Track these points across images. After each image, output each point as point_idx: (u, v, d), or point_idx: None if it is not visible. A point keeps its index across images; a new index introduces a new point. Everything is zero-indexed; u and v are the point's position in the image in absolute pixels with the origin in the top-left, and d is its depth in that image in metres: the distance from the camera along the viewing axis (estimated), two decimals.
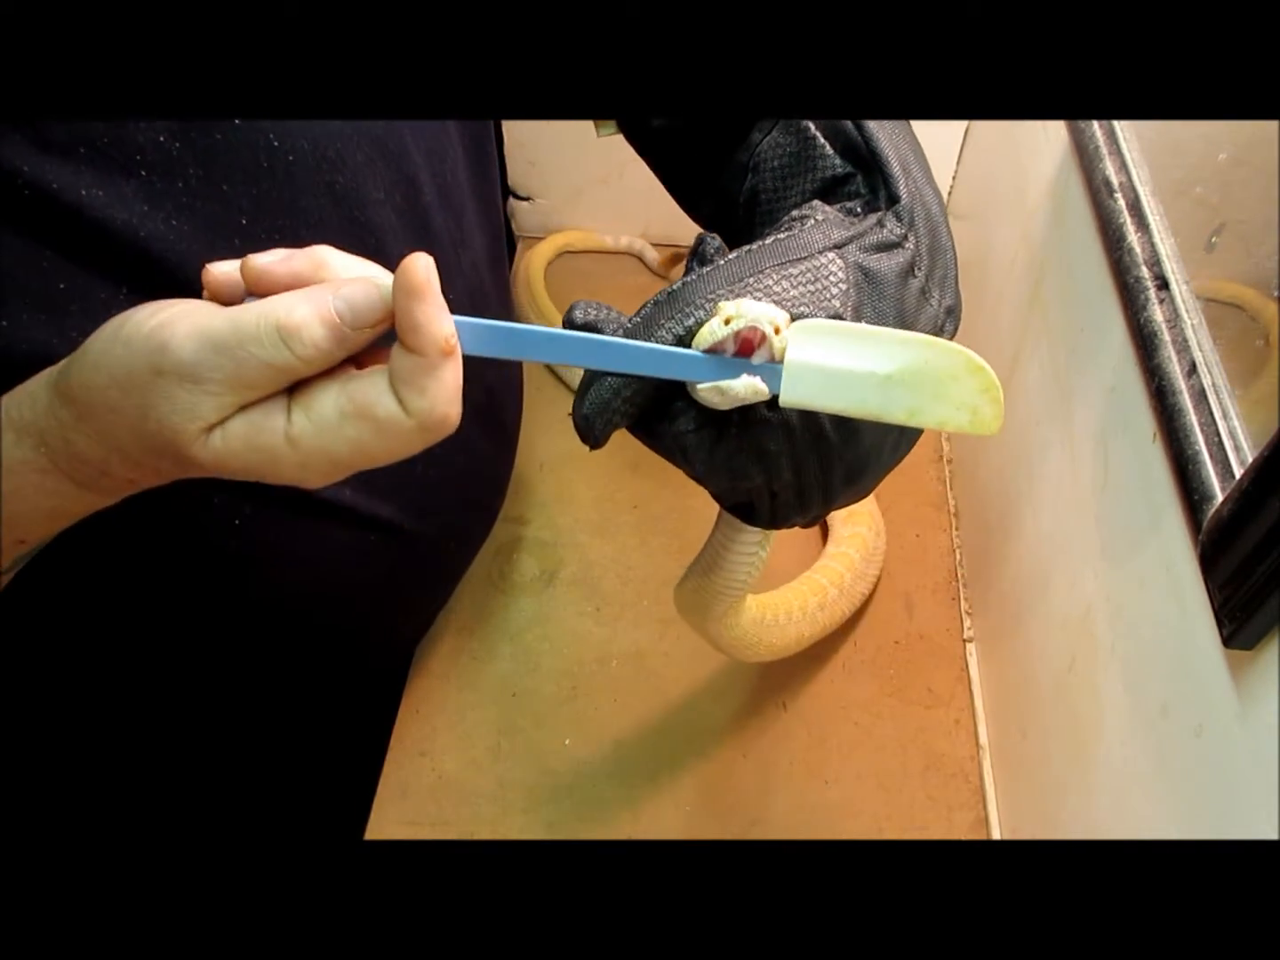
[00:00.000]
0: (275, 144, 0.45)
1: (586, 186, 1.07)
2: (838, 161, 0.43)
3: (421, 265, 0.32)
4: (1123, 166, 0.57)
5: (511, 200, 1.10)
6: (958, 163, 0.98)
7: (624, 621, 0.80)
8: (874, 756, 0.74)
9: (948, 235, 0.43)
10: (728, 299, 0.36)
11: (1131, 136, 0.58)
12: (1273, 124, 0.47)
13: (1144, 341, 0.50)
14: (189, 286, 0.43)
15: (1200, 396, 0.45)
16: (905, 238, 0.40)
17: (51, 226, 0.40)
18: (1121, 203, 0.55)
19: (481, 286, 0.62)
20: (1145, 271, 0.51)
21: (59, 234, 0.40)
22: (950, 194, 0.99)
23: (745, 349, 0.35)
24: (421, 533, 0.61)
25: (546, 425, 0.91)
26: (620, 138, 0.57)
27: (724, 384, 0.35)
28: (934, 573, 0.84)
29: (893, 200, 0.41)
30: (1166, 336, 0.48)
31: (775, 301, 0.36)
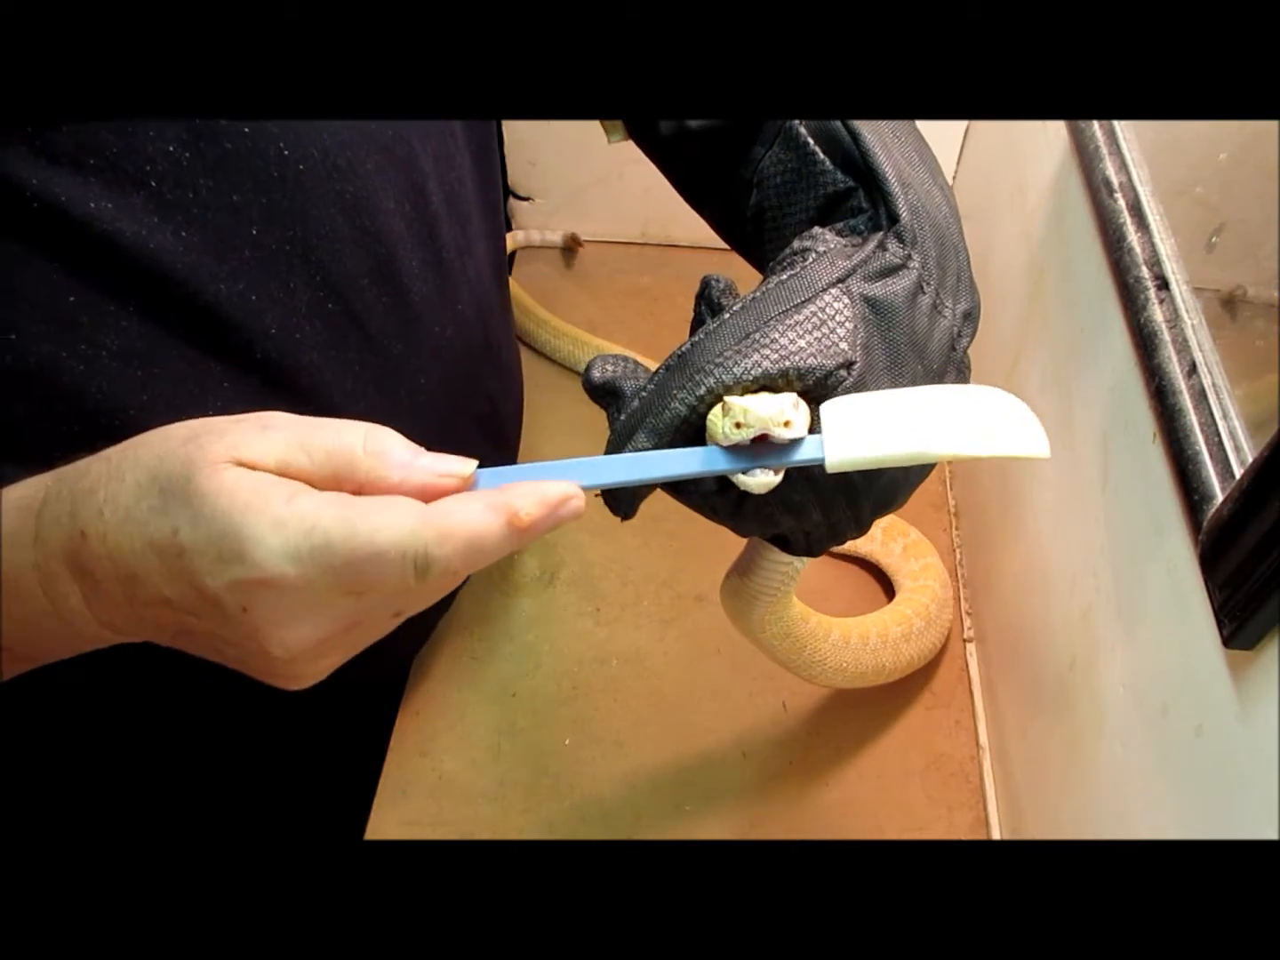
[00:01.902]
0: (286, 153, 0.44)
1: (586, 186, 1.07)
2: (839, 177, 0.43)
3: None
4: (1123, 166, 0.57)
5: (511, 200, 1.10)
6: (958, 163, 0.98)
7: (624, 621, 0.80)
8: (874, 756, 0.74)
9: (958, 234, 0.43)
10: (736, 360, 0.37)
11: (1131, 136, 0.58)
12: (1273, 124, 0.47)
13: (1144, 341, 0.50)
14: (198, 298, 0.43)
15: (1200, 396, 0.45)
16: (909, 258, 0.40)
17: (60, 239, 0.39)
18: (1121, 203, 0.55)
19: (486, 294, 0.62)
20: (1145, 271, 0.51)
21: (68, 247, 0.40)
22: None
23: (761, 438, 0.35)
24: None
25: (546, 428, 0.91)
26: (628, 141, 0.57)
27: (739, 479, 0.36)
28: None
29: (893, 219, 0.41)
30: (1166, 336, 0.48)
31: (783, 355, 0.37)
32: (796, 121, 0.45)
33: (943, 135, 0.96)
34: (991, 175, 0.88)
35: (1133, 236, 0.53)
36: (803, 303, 0.38)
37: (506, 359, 0.68)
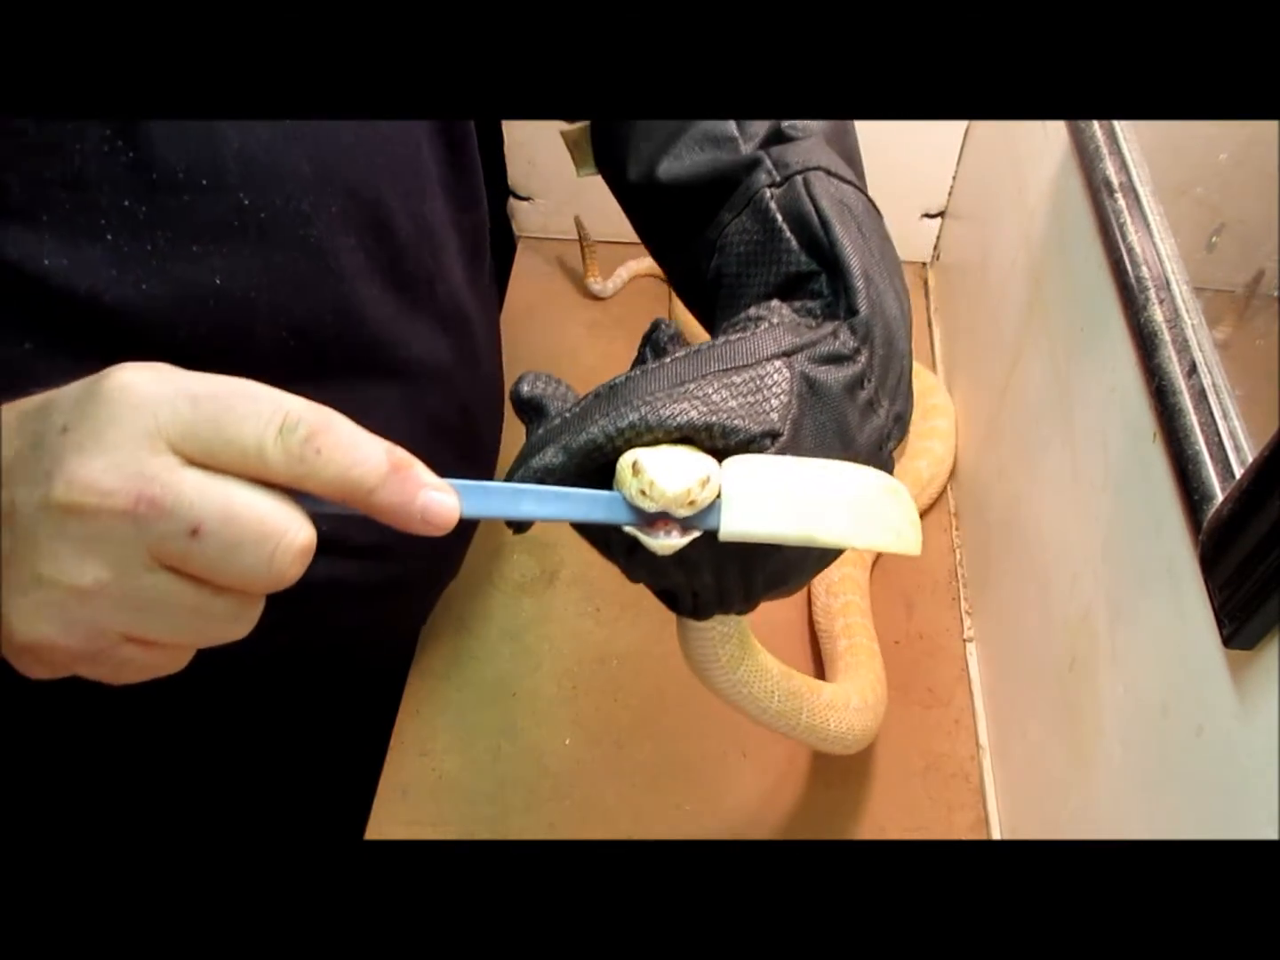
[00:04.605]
0: (246, 203, 0.44)
1: (586, 186, 1.07)
2: (802, 258, 0.43)
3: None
4: (1123, 166, 0.57)
5: (511, 200, 1.10)
6: (958, 163, 0.98)
7: (624, 621, 0.80)
8: (874, 756, 0.74)
9: (906, 339, 0.43)
10: (665, 404, 0.36)
11: (1131, 136, 0.58)
12: (1273, 124, 0.47)
13: (1144, 341, 0.50)
14: (159, 347, 0.43)
15: (1200, 396, 0.45)
16: (858, 351, 0.40)
17: (15, 297, 0.39)
18: (1121, 203, 0.55)
19: (459, 310, 0.62)
20: (1145, 271, 0.51)
21: (23, 303, 0.40)
22: (950, 194, 0.99)
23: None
24: (399, 554, 0.61)
25: None
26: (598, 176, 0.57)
27: (644, 540, 0.35)
28: (934, 573, 0.84)
29: (851, 311, 0.41)
30: (1166, 336, 0.48)
31: (711, 410, 0.36)
32: (767, 194, 0.45)
33: (943, 135, 0.96)
34: (991, 175, 0.88)
35: (1133, 236, 0.53)
36: (744, 365, 0.38)
37: (486, 370, 0.68)
